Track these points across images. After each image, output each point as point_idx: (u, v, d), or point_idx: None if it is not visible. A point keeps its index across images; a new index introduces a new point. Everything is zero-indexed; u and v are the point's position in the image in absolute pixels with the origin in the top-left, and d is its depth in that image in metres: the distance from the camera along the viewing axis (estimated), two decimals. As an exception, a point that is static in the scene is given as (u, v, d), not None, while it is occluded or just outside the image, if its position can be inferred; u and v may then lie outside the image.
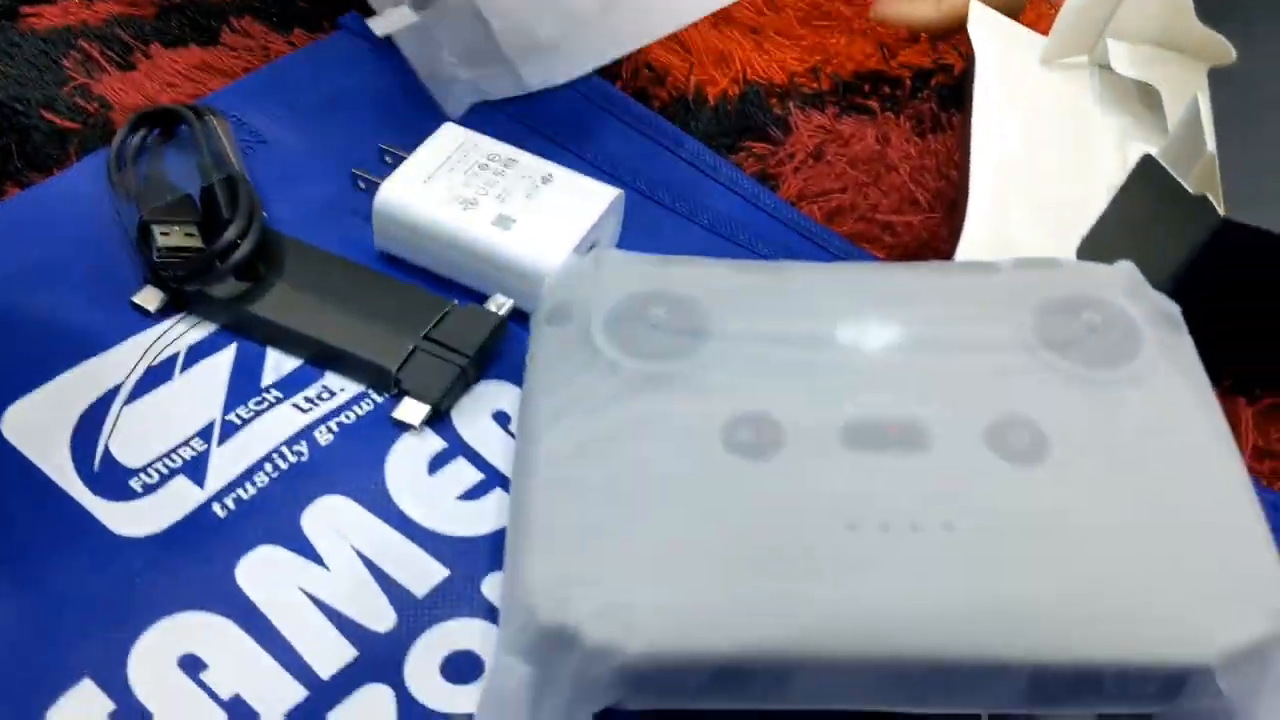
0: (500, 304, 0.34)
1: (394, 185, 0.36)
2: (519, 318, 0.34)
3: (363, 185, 0.37)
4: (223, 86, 0.43)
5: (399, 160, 0.37)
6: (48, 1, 0.47)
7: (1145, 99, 0.43)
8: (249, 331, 0.34)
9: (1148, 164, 0.34)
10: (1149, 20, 0.43)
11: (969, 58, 0.43)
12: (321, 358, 0.34)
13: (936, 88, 0.45)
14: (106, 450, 0.31)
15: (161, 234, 0.35)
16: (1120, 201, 0.36)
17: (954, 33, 0.46)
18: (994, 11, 0.45)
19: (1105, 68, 0.43)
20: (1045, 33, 0.44)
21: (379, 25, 0.38)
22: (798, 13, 0.47)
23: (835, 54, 0.46)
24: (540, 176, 0.35)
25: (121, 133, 0.39)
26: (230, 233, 0.35)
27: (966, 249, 0.36)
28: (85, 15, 0.46)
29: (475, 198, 0.35)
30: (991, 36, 0.44)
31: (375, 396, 0.33)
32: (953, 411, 0.28)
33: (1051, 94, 0.43)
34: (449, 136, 0.37)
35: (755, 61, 0.45)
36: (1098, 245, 0.37)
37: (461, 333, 0.33)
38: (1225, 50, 0.37)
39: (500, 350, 0.34)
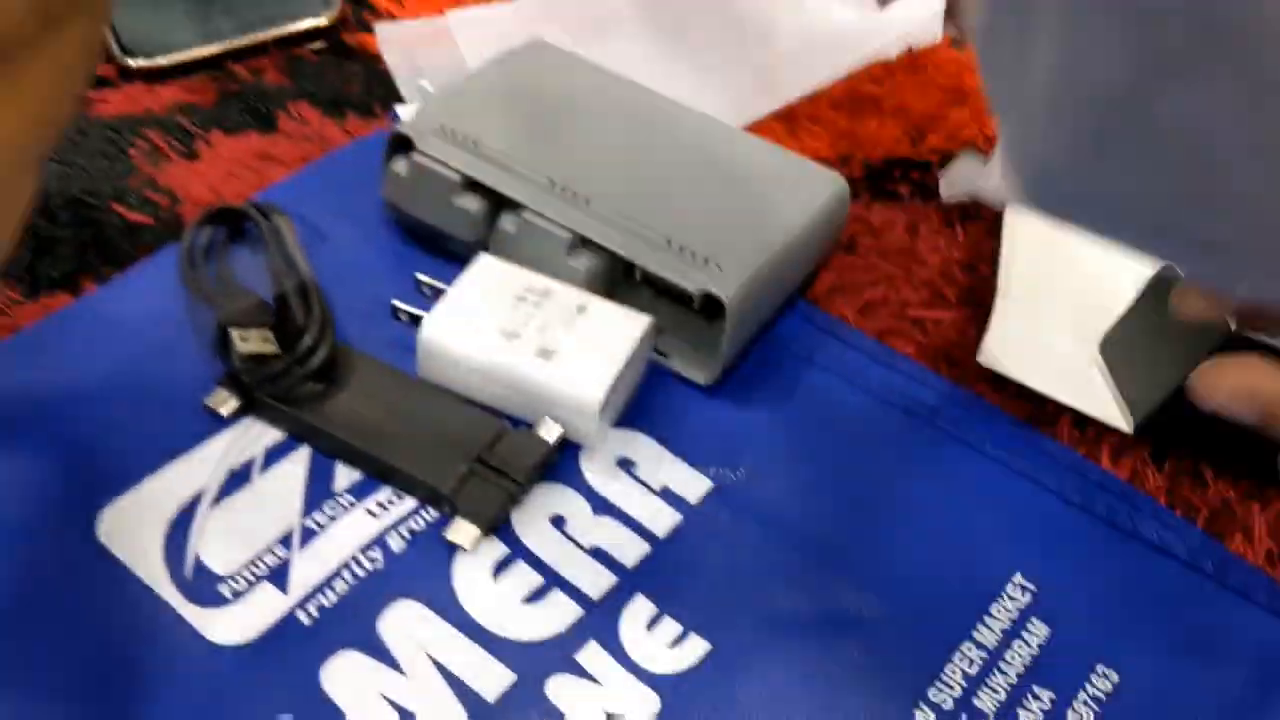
0: (551, 431, 0.36)
1: (437, 321, 0.37)
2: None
3: (404, 318, 0.39)
4: (283, 176, 0.45)
5: (435, 291, 0.39)
6: (112, 85, 0.49)
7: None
8: (312, 440, 0.37)
9: (1156, 282, 0.36)
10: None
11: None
12: (380, 474, 0.36)
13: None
14: (197, 556, 0.34)
15: (240, 339, 0.37)
16: (1138, 308, 0.38)
17: None
18: None
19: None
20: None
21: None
22: (829, 98, 0.49)
23: (866, 139, 0.48)
24: (575, 307, 0.37)
25: (190, 233, 0.41)
26: (306, 341, 0.37)
27: (992, 346, 0.38)
28: (149, 101, 0.48)
29: (517, 330, 0.37)
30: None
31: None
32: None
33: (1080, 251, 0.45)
34: (486, 268, 0.39)
35: (788, 147, 0.47)
36: (1117, 347, 0.39)
37: (514, 457, 0.36)
38: None
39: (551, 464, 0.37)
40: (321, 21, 0.51)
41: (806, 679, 0.32)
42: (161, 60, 0.50)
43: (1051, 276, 0.41)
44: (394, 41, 0.50)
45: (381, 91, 0.50)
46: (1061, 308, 0.41)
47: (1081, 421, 0.38)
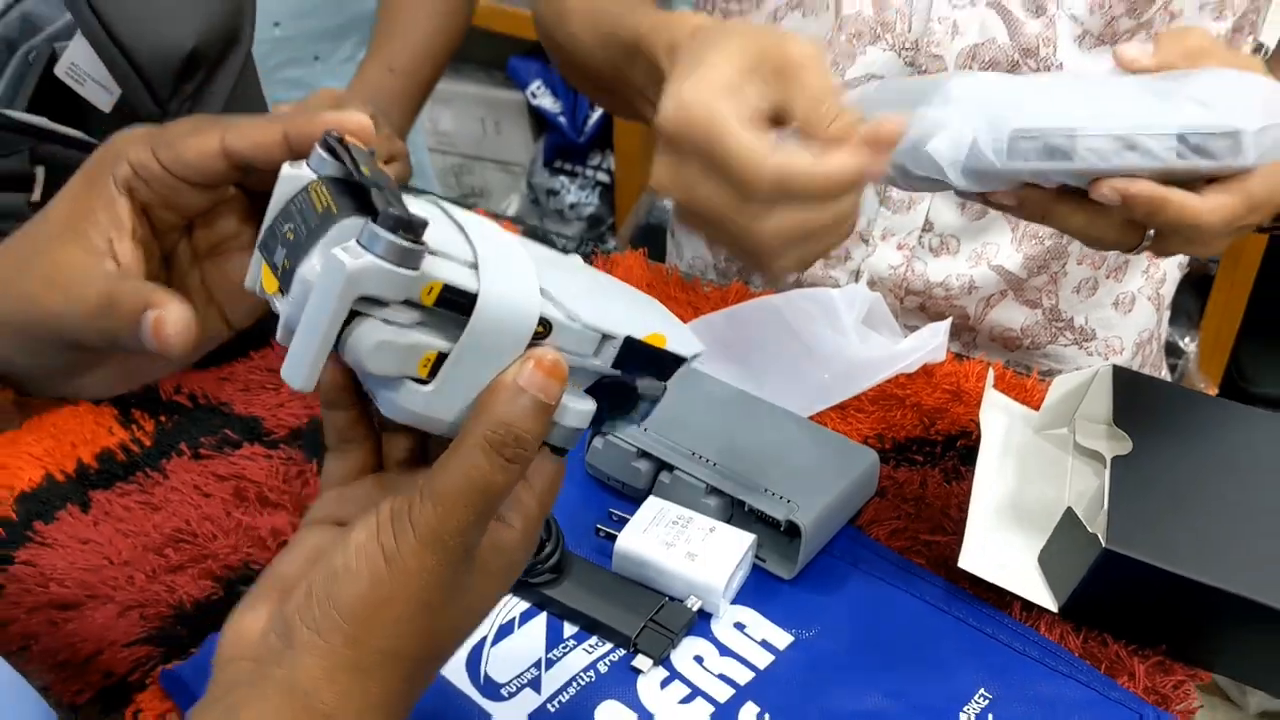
0: (694, 604, 0.60)
1: (626, 537, 0.62)
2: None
3: (603, 535, 0.64)
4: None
5: (621, 520, 0.63)
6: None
7: (1098, 461, 0.67)
8: (549, 608, 0.61)
9: (1069, 513, 0.59)
10: (1100, 410, 0.68)
11: (979, 430, 0.69)
12: (590, 627, 0.60)
13: (959, 449, 0.71)
14: (486, 671, 0.57)
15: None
16: (1059, 531, 0.61)
17: None
18: (1001, 395, 0.71)
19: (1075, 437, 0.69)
20: (1037, 409, 0.70)
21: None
22: (869, 396, 0.74)
23: (893, 423, 0.73)
24: (709, 529, 0.62)
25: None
26: (547, 549, 0.61)
27: (966, 556, 0.61)
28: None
29: (674, 542, 0.61)
30: (998, 414, 0.70)
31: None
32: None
33: (1039, 451, 0.69)
34: (652, 505, 0.63)
35: (839, 429, 0.72)
36: (1046, 558, 0.61)
37: (672, 619, 0.59)
38: (1127, 443, 0.62)
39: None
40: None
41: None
42: (433, 371, 0.77)
43: (1011, 491, 0.65)
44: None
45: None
46: (1015, 517, 0.63)
47: (1028, 605, 0.61)
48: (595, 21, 0.75)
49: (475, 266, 0.38)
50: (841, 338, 0.76)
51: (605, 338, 0.41)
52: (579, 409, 0.41)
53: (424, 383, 0.39)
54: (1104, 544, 0.56)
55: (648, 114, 0.62)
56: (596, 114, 2.22)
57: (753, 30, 0.54)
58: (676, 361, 0.45)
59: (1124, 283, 0.88)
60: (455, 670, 0.57)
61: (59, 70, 0.70)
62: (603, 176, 2.27)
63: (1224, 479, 0.62)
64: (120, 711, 0.57)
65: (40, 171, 0.67)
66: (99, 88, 0.70)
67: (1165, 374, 1.02)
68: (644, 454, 0.66)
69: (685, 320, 0.78)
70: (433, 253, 0.37)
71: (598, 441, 0.67)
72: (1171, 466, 0.61)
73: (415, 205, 0.40)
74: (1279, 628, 0.55)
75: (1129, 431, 0.63)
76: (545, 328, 0.39)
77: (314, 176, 0.40)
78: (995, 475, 0.66)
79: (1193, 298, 1.78)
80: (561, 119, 2.23)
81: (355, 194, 0.39)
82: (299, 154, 0.42)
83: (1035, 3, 0.76)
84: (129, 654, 0.59)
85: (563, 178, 2.28)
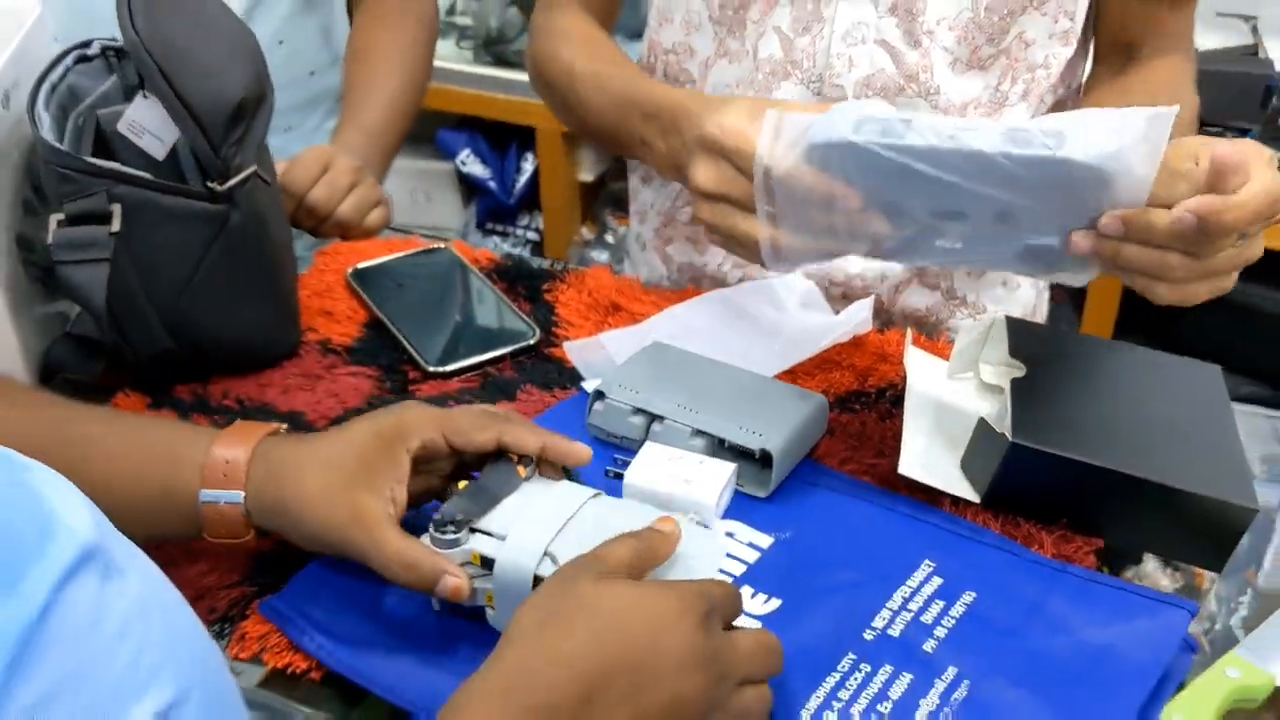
0: (693, 518, 0.74)
1: (632, 472, 0.75)
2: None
3: (611, 475, 0.78)
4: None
5: (625, 463, 0.77)
6: (422, 381, 0.90)
7: (1000, 391, 0.83)
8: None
9: (981, 421, 0.75)
10: (999, 352, 0.85)
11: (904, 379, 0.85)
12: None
13: (889, 397, 0.87)
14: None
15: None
16: (975, 437, 0.76)
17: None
18: (919, 350, 0.87)
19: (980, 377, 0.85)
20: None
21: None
22: (814, 361, 0.90)
23: (834, 382, 0.89)
24: (698, 461, 0.76)
25: (492, 445, 0.81)
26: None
27: (904, 464, 0.76)
28: (445, 388, 0.89)
29: (671, 472, 0.75)
30: (918, 363, 0.86)
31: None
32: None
33: (953, 390, 0.84)
34: (650, 449, 0.77)
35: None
36: (967, 461, 0.77)
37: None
38: (1023, 369, 0.78)
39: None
40: (531, 342, 0.93)
41: (833, 612, 0.68)
42: (445, 369, 0.91)
43: (934, 418, 0.80)
44: (575, 350, 0.91)
45: (567, 377, 0.90)
46: (939, 435, 0.79)
47: (955, 500, 0.76)
48: (601, 86, 0.97)
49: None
50: (785, 316, 0.92)
51: None
52: None
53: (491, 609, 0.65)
54: (1010, 438, 0.72)
55: (641, 154, 0.91)
56: (524, 177, 2.38)
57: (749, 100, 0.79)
58: None
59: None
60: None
61: (120, 126, 0.83)
62: (532, 235, 2.42)
63: (1102, 390, 0.78)
64: (227, 638, 0.69)
65: (117, 208, 0.80)
66: (155, 140, 0.84)
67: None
68: (638, 410, 0.81)
69: (649, 315, 0.94)
70: (483, 532, 0.65)
71: (598, 404, 0.82)
72: (1060, 382, 0.78)
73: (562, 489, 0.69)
74: (1152, 497, 0.71)
75: (1024, 362, 0.79)
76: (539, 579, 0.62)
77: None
78: (920, 407, 0.82)
79: (1070, 308, 2.00)
80: (491, 183, 2.39)
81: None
82: (550, 458, 0.70)
83: (913, 38, 0.94)
84: (227, 594, 0.71)
85: (495, 238, 2.44)
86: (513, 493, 0.67)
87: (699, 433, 0.79)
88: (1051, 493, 0.74)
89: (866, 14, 0.94)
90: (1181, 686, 0.65)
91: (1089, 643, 0.66)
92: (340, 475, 0.65)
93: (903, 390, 0.85)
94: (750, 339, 0.91)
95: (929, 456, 0.78)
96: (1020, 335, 0.82)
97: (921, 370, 0.86)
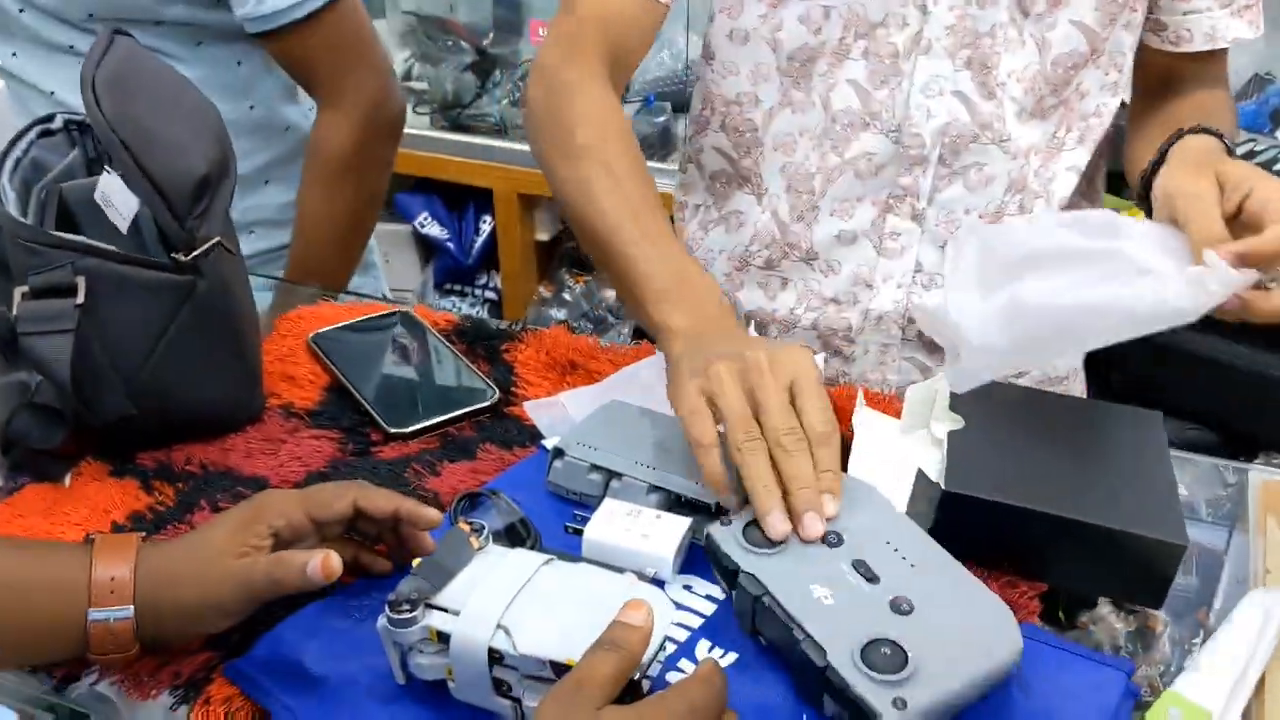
0: (650, 572, 0.76)
1: (591, 529, 0.78)
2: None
3: (571, 531, 0.80)
4: (488, 480, 0.86)
5: (585, 520, 0.79)
6: (384, 444, 0.91)
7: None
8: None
9: (919, 472, 0.78)
10: (942, 411, 0.88)
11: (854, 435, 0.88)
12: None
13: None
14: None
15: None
16: (914, 488, 0.79)
17: None
18: (871, 410, 0.90)
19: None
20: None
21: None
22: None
23: (788, 437, 0.91)
24: (654, 517, 0.78)
25: (454, 506, 0.82)
26: (529, 544, 0.77)
27: None
28: (405, 450, 0.91)
29: (629, 528, 0.77)
30: (870, 421, 0.88)
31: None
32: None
33: (904, 448, 0.87)
34: (608, 506, 0.79)
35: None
36: (910, 512, 0.80)
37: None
38: (961, 421, 0.82)
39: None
40: (490, 402, 0.95)
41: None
42: (405, 430, 0.92)
43: (882, 474, 0.83)
44: (534, 409, 0.93)
45: (526, 436, 0.92)
46: (891, 490, 0.82)
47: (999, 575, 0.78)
48: (617, 186, 0.90)
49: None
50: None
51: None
52: None
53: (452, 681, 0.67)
54: (944, 487, 0.75)
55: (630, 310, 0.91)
56: (482, 237, 2.41)
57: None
58: None
59: None
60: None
61: (97, 196, 0.85)
62: (490, 294, 2.45)
63: (1039, 438, 0.82)
64: (191, 703, 0.70)
65: (82, 280, 0.81)
66: (117, 213, 0.85)
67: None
68: (596, 467, 0.83)
69: (606, 373, 0.96)
70: (438, 608, 0.66)
71: (557, 463, 0.84)
72: (997, 433, 0.81)
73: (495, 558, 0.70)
74: (1084, 538, 0.74)
75: (963, 416, 0.82)
76: (498, 654, 0.64)
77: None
78: (865, 463, 0.85)
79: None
80: (449, 244, 2.42)
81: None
82: (404, 520, 0.73)
83: (987, 89, 1.00)
84: (191, 659, 0.72)
85: (453, 298, 2.46)
86: (467, 564, 0.69)
87: (656, 488, 0.81)
88: (990, 539, 0.76)
89: (944, 68, 1.00)
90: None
91: (1033, 705, 0.68)
92: (209, 551, 0.69)
93: (849, 444, 0.88)
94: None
95: None
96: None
97: (872, 429, 0.89)
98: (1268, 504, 0.86)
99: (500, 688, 0.66)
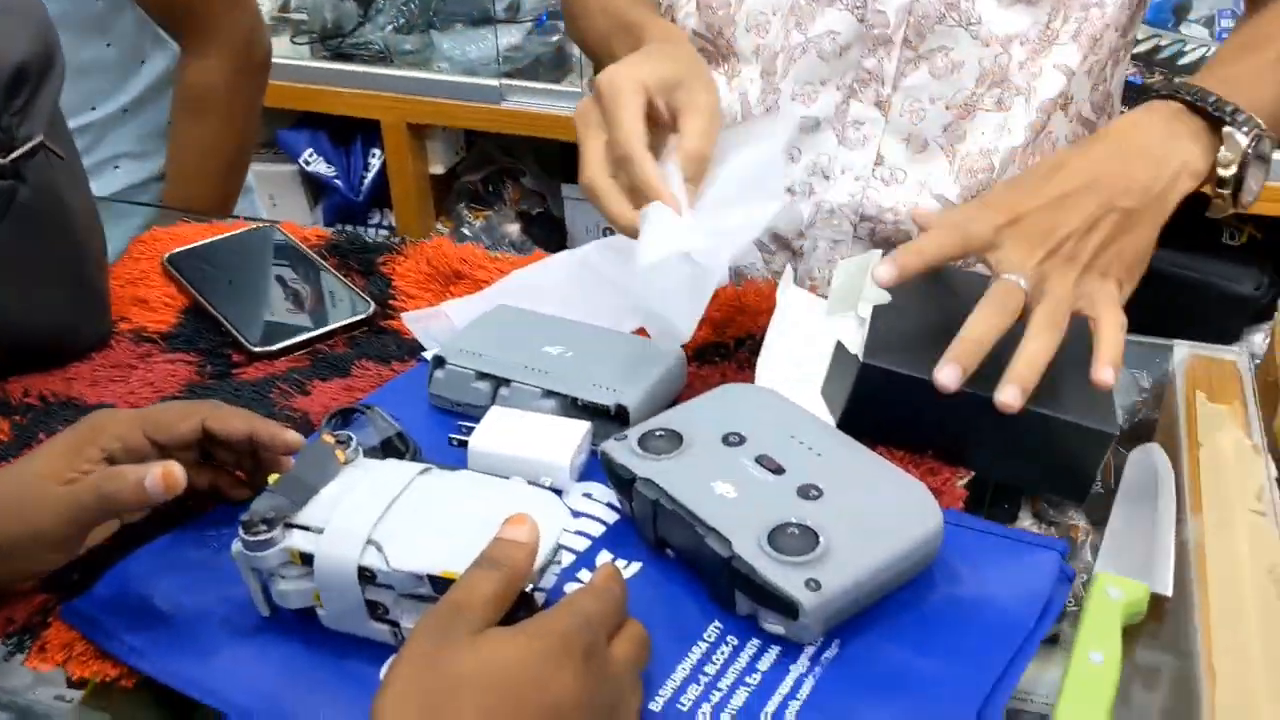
0: (545, 482, 0.68)
1: (477, 439, 0.70)
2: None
3: (456, 444, 0.72)
4: (363, 397, 0.78)
5: (469, 431, 0.71)
6: (246, 365, 0.83)
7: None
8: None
9: (838, 344, 0.72)
10: (871, 289, 0.81)
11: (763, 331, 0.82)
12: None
13: (747, 346, 0.83)
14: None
15: (369, 465, 0.69)
16: (832, 362, 0.73)
17: None
18: (799, 289, 0.83)
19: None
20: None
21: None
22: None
23: (693, 337, 0.84)
24: (548, 422, 0.71)
25: (323, 424, 0.74)
26: (408, 458, 0.69)
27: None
28: (271, 369, 0.82)
29: (519, 436, 0.70)
30: (794, 302, 0.82)
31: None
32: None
33: (828, 328, 0.80)
34: (495, 414, 0.72)
35: (649, 346, 0.83)
36: (826, 388, 0.74)
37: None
38: (887, 296, 0.75)
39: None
40: (364, 315, 0.87)
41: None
42: (271, 348, 0.84)
43: (802, 352, 0.77)
44: (414, 320, 0.85)
45: (406, 349, 0.84)
46: (807, 368, 0.76)
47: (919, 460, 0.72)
48: (604, 6, 0.97)
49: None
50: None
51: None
52: None
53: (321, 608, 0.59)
54: (861, 359, 0.69)
55: None
56: (372, 173, 2.30)
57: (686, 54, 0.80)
58: None
59: None
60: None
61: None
62: (384, 233, 2.34)
63: (962, 315, 0.76)
64: (26, 650, 0.61)
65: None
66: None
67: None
68: (482, 375, 0.75)
69: (494, 280, 0.88)
70: (299, 527, 0.58)
71: (438, 372, 0.76)
72: (924, 310, 0.75)
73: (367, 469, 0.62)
74: (1007, 422, 0.68)
75: (892, 292, 0.76)
76: (369, 573, 0.57)
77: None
78: (782, 338, 0.78)
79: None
80: (337, 181, 2.30)
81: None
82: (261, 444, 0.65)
83: None
84: (26, 602, 0.63)
85: (345, 238, 2.34)
86: (332, 479, 0.61)
87: (549, 394, 0.74)
88: (909, 419, 0.71)
89: None
90: (1062, 616, 0.63)
91: (961, 591, 0.63)
92: (30, 478, 0.61)
93: (762, 341, 0.82)
94: (603, 297, 0.86)
95: (787, 386, 0.75)
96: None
97: (797, 306, 0.82)
98: (1194, 380, 0.82)
99: (375, 611, 0.58)
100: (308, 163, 2.30)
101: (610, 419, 0.73)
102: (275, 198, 2.38)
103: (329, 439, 0.63)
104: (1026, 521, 0.75)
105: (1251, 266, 1.78)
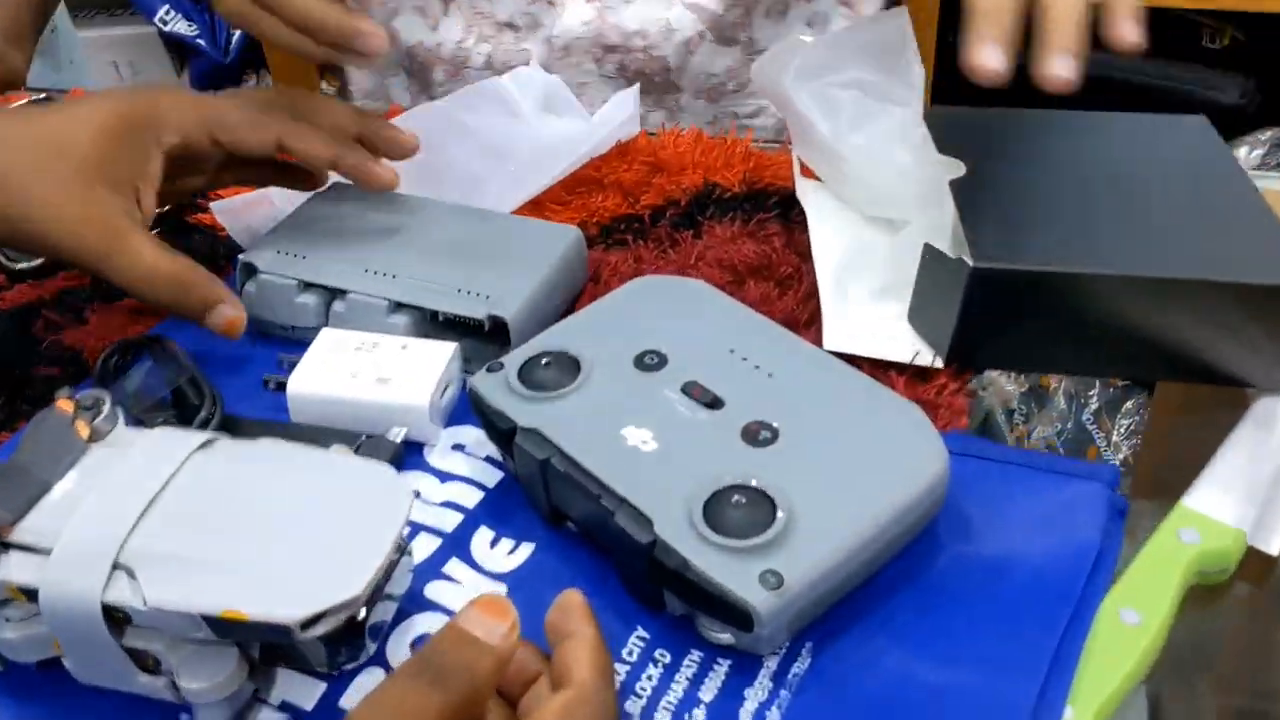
0: (397, 434, 0.50)
1: (297, 378, 0.51)
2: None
3: (273, 386, 0.53)
4: (152, 326, 0.58)
5: (294, 364, 0.52)
6: (7, 288, 0.62)
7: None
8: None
9: (928, 248, 0.53)
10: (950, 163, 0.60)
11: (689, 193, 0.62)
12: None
13: (670, 219, 0.63)
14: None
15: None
16: (921, 275, 0.54)
17: None
18: (813, 181, 0.63)
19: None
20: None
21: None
22: (564, 185, 0.66)
23: (595, 208, 0.65)
24: (400, 347, 0.51)
25: (98, 366, 0.54)
26: (201, 415, 0.50)
27: (830, 338, 0.53)
28: (39, 292, 0.61)
29: (358, 371, 0.50)
30: (815, 202, 0.61)
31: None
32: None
33: (856, 226, 0.61)
34: (327, 337, 0.52)
35: (541, 226, 0.63)
36: (918, 307, 0.54)
37: (375, 453, 0.49)
38: (959, 167, 0.56)
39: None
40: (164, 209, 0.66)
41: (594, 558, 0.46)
42: (35, 263, 0.63)
43: (856, 270, 0.57)
44: (226, 212, 0.64)
45: (222, 253, 0.63)
46: (870, 293, 0.56)
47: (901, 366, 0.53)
48: None
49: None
50: (522, 126, 0.67)
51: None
52: None
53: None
54: (971, 263, 0.49)
55: None
56: (239, 31, 2.02)
57: None
58: (276, 630, 0.37)
59: (814, 2, 0.84)
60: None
61: None
62: (263, 97, 2.08)
63: (1060, 179, 0.56)
64: None
65: None
66: None
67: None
68: (309, 285, 0.55)
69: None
70: (19, 547, 0.39)
71: (249, 284, 0.56)
72: (1009, 178, 0.56)
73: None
74: (1188, 301, 0.50)
75: (959, 156, 0.56)
76: (120, 613, 0.38)
77: None
78: (829, 258, 0.58)
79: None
80: (201, 41, 2.02)
81: None
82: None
83: None
84: None
85: (219, 105, 2.08)
86: (70, 468, 0.41)
87: (400, 305, 0.54)
88: (1035, 331, 0.52)
89: None
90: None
91: (977, 555, 0.45)
92: (69, 163, 0.51)
93: (686, 210, 0.62)
94: (474, 162, 0.66)
95: (861, 317, 0.55)
96: (942, 128, 0.57)
97: (819, 207, 0.62)
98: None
99: (142, 662, 0.40)
100: (165, 21, 2.01)
101: (485, 336, 0.53)
102: (136, 65, 2.10)
103: (66, 405, 0.43)
104: (992, 370, 0.56)
105: (1235, 73, 1.59)
